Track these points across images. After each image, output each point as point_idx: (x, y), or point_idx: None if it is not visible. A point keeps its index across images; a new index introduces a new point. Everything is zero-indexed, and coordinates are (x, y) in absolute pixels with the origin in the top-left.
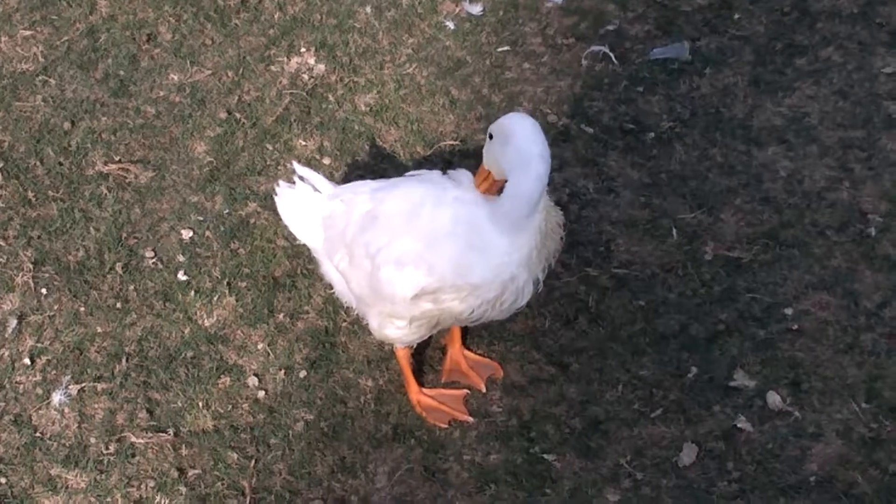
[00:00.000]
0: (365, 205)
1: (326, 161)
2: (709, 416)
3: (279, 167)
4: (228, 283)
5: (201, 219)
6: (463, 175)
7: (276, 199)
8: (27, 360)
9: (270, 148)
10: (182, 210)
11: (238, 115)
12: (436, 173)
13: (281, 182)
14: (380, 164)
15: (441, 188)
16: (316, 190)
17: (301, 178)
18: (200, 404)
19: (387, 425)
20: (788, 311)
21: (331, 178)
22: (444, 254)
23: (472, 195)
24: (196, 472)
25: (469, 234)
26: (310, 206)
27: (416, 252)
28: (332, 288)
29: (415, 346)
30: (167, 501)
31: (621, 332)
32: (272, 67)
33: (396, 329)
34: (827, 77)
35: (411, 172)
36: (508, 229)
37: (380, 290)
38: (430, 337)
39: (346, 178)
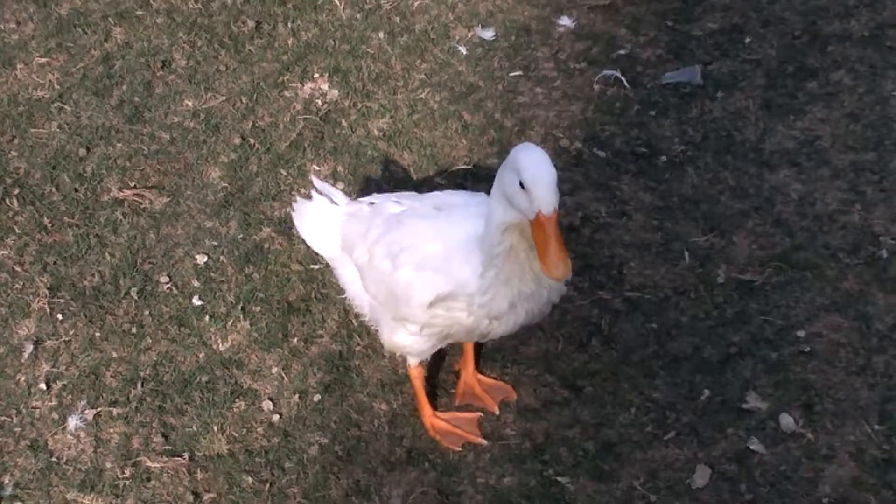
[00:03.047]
0: (393, 208)
1: (340, 186)
2: (722, 438)
3: (293, 192)
4: (243, 308)
5: (216, 244)
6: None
7: (294, 213)
8: (43, 385)
9: (284, 173)
10: (197, 235)
11: (252, 141)
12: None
13: (298, 197)
14: (393, 189)
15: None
16: (333, 202)
17: (318, 191)
18: (215, 428)
19: (401, 448)
20: (801, 334)
21: None
22: (462, 263)
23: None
24: (211, 495)
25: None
26: (327, 217)
27: (437, 259)
28: (344, 293)
29: (427, 363)
30: None
31: (634, 354)
32: (286, 93)
33: (409, 335)
34: (838, 100)
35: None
36: (483, 262)
37: (396, 291)
38: (444, 360)
39: None
